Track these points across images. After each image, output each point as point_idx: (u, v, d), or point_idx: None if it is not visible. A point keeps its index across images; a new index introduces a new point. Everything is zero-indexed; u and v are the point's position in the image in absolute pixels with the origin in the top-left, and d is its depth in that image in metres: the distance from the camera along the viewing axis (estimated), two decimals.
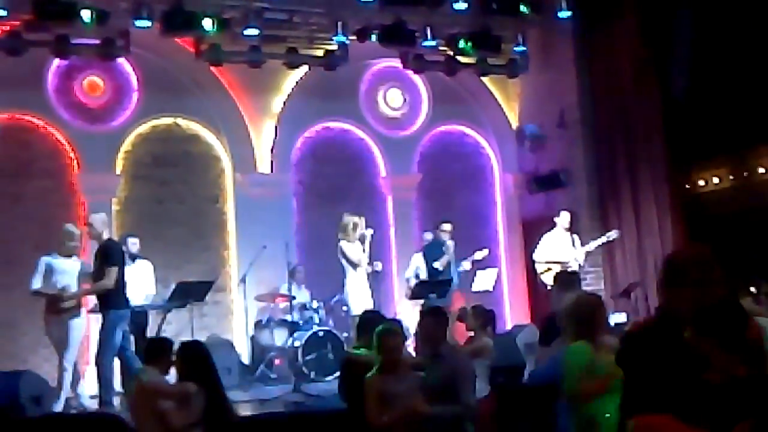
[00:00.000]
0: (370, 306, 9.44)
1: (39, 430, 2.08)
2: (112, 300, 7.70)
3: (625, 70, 10.92)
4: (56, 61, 9.99)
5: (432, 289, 9.65)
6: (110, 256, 7.76)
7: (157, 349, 5.57)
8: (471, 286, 10.43)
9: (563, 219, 10.36)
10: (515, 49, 11.41)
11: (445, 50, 11.10)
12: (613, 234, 10.34)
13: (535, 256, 10.41)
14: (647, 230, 10.67)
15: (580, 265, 10.18)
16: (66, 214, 9.97)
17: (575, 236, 10.37)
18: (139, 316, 8.60)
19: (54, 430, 2.07)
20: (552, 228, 10.41)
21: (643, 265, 10.61)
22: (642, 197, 10.74)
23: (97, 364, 7.65)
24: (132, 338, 8.51)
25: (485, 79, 12.10)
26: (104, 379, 7.55)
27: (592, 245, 10.30)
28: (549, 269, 10.15)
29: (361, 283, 9.34)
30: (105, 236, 7.94)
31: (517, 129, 12.28)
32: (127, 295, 7.93)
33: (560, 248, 10.22)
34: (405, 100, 12.10)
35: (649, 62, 10.67)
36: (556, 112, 11.48)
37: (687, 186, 11.12)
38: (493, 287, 10.76)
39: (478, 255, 10.30)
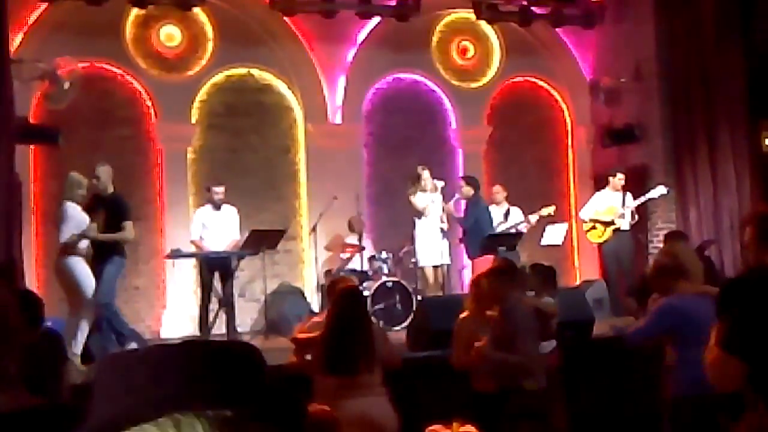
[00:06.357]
0: (437, 257, 9.51)
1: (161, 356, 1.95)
2: (120, 248, 7.65)
3: (706, 21, 10.55)
4: (134, 11, 10.13)
5: (501, 242, 9.66)
6: (124, 209, 7.67)
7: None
8: (540, 241, 10.39)
9: (617, 179, 10.18)
10: None
11: (519, 0, 10.93)
12: (661, 189, 10.06)
13: (580, 214, 10.33)
14: (723, 187, 10.41)
15: (629, 222, 10.04)
16: (143, 162, 10.27)
17: (628, 194, 10.18)
18: (225, 261, 8.81)
19: (182, 354, 1.85)
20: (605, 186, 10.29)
21: (719, 222, 10.36)
22: (719, 154, 10.45)
23: (99, 305, 7.38)
24: (219, 283, 8.75)
25: (559, 30, 11.85)
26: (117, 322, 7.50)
27: (638, 201, 10.10)
28: (594, 227, 10.10)
29: (429, 234, 9.35)
30: (110, 189, 7.77)
31: (591, 81, 12.05)
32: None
33: (607, 206, 10.10)
34: (477, 51, 11.97)
35: (732, 13, 10.31)
36: (632, 65, 11.22)
37: None
38: (562, 242, 10.70)
39: (544, 211, 10.17)
